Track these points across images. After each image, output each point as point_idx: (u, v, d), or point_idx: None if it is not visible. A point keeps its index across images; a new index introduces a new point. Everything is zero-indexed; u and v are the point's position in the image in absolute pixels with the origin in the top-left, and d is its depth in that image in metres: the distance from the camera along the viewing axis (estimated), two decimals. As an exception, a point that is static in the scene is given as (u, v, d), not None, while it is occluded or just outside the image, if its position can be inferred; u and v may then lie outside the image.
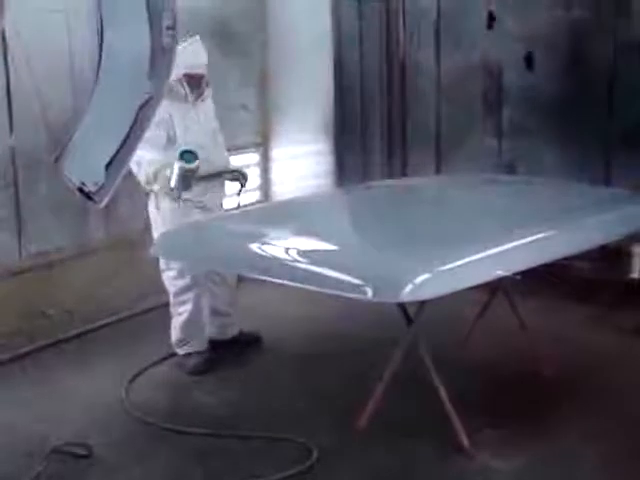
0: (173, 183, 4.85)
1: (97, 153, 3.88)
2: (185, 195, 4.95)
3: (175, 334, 5.31)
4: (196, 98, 5.12)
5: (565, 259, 4.39)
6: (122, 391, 4.91)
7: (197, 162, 4.80)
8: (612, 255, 6.02)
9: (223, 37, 6.86)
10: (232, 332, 5.59)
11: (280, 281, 4.29)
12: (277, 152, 7.33)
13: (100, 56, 3.86)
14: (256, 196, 7.47)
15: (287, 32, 7.17)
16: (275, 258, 4.11)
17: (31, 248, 5.61)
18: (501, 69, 6.82)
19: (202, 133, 5.17)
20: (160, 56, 3.87)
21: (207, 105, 5.27)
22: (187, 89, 5.04)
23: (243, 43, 7.15)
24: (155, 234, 5.10)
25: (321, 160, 7.28)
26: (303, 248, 4.20)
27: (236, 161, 7.22)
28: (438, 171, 7.05)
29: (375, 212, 5.06)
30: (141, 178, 5.01)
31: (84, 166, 3.90)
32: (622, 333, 5.65)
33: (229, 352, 5.45)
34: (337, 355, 5.41)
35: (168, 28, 3.93)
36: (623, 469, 4.00)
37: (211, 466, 4.15)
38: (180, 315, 5.26)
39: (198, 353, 5.29)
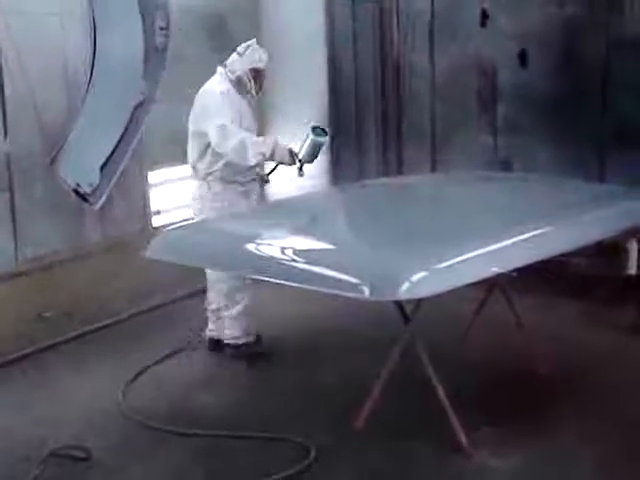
0: (301, 155, 5.18)
1: (92, 154, 3.86)
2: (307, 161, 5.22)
3: (237, 328, 5.48)
4: (256, 92, 5.46)
5: (562, 255, 4.39)
6: (120, 393, 4.90)
7: (327, 137, 5.24)
8: (608, 251, 6.02)
9: (217, 36, 6.86)
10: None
11: (277, 281, 4.28)
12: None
13: (93, 58, 3.84)
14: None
15: (281, 31, 7.16)
16: (272, 258, 4.11)
17: (27, 251, 5.60)
18: (495, 67, 6.82)
19: (253, 123, 5.53)
20: (154, 56, 3.86)
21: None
22: (252, 82, 5.38)
23: (237, 42, 7.12)
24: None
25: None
26: (299, 247, 4.20)
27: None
28: (433, 169, 7.05)
29: (371, 210, 5.06)
30: (256, 158, 5.15)
31: (79, 168, 3.89)
32: (618, 330, 5.66)
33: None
34: (335, 354, 5.43)
35: (161, 28, 3.92)
36: (620, 469, 3.99)
37: (211, 466, 4.15)
38: (234, 309, 5.45)
39: (255, 343, 5.56)
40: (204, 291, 5.64)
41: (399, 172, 7.25)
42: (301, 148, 5.18)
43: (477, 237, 4.07)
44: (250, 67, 5.34)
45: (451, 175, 6.29)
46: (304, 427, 4.43)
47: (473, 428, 4.27)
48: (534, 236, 4.18)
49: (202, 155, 5.31)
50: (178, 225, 5.04)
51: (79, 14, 5.32)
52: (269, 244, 4.29)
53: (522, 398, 4.70)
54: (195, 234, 4.64)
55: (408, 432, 4.36)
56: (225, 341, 5.55)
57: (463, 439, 4.19)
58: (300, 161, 5.19)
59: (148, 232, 6.11)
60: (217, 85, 5.32)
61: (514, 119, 6.79)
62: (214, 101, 5.23)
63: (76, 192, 4.13)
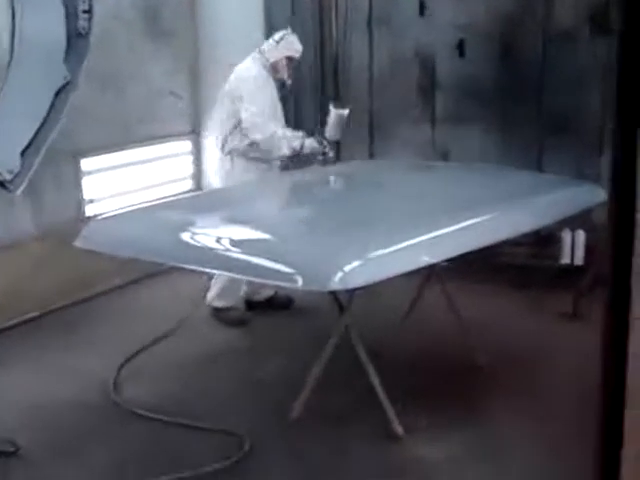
0: (327, 132, 5.55)
1: (12, 140, 3.75)
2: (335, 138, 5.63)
3: (216, 288, 5.72)
4: (288, 77, 5.78)
5: (498, 244, 4.39)
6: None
7: (348, 109, 5.56)
8: (544, 240, 6.07)
9: (151, 22, 6.74)
10: (266, 293, 5.98)
11: (212, 271, 4.24)
12: (210, 140, 7.23)
13: (12, 42, 3.72)
14: (188, 185, 7.37)
15: (217, 19, 7.10)
16: (206, 247, 4.06)
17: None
18: (434, 57, 6.81)
19: (280, 107, 5.83)
20: (76, 40, 3.77)
21: None
22: (286, 69, 5.70)
23: (172, 30, 7.03)
24: None
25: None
26: (235, 237, 4.15)
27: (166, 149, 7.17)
28: (371, 158, 7.02)
29: (308, 199, 5.03)
30: (285, 152, 5.60)
31: (-2, 154, 3.80)
32: (555, 319, 5.70)
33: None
34: (275, 344, 5.42)
35: (84, 12, 3.84)
36: (555, 458, 4.00)
37: (142, 458, 4.09)
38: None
39: (234, 308, 5.78)
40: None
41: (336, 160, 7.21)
42: (326, 126, 5.56)
43: (413, 226, 4.06)
44: (286, 55, 5.67)
45: (389, 162, 6.29)
46: (239, 419, 4.38)
47: (409, 418, 4.26)
48: (471, 225, 4.18)
49: (232, 132, 5.63)
50: (110, 214, 4.93)
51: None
52: (203, 233, 4.24)
53: (459, 389, 4.70)
54: (128, 223, 4.54)
55: (343, 423, 4.34)
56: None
57: (399, 429, 4.19)
58: (327, 140, 5.55)
59: (81, 221, 5.97)
60: (253, 69, 5.66)
61: (453, 109, 6.79)
62: (250, 86, 5.57)
63: (-5, 179, 4.04)
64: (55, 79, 3.76)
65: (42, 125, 3.80)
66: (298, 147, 5.55)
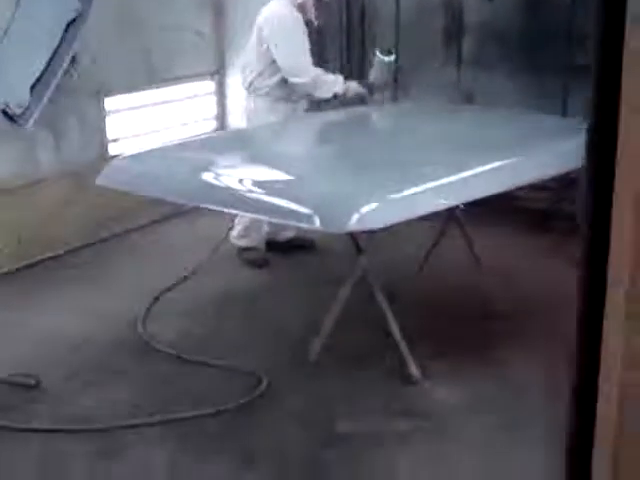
0: (371, 77, 5.73)
1: (21, 74, 3.71)
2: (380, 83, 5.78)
3: (238, 229, 5.72)
4: (316, 19, 5.68)
5: (520, 189, 4.35)
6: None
7: (392, 56, 5.73)
8: (568, 186, 6.00)
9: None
10: (287, 235, 5.92)
11: (231, 211, 4.25)
12: (234, 80, 7.18)
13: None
14: (212, 126, 7.35)
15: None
16: (226, 187, 4.06)
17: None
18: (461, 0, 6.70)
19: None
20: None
21: None
22: (313, 10, 5.60)
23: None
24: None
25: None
26: (255, 177, 4.15)
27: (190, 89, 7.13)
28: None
29: (329, 140, 5.02)
30: (326, 95, 5.56)
31: (8, 87, 3.73)
32: (575, 265, 5.64)
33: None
34: (294, 284, 5.44)
35: (95, -57, 3.80)
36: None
37: (161, 395, 4.14)
38: None
39: (256, 249, 5.76)
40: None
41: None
42: (371, 70, 5.75)
43: (433, 168, 4.04)
44: None
45: (413, 105, 6.24)
46: (258, 358, 4.43)
47: (425, 361, 4.28)
48: (492, 169, 4.15)
49: (261, 73, 5.56)
50: (133, 153, 4.92)
51: None
52: (224, 174, 4.24)
53: (476, 333, 4.69)
54: (150, 162, 4.55)
55: (360, 364, 4.36)
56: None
57: (415, 371, 4.20)
58: (370, 85, 5.69)
59: (104, 160, 5.98)
60: (284, 9, 5.51)
61: (479, 53, 6.70)
62: (284, 26, 5.47)
63: (4, 113, 3.98)
64: (66, 11, 3.70)
65: (52, 58, 3.75)
66: (341, 91, 5.54)
